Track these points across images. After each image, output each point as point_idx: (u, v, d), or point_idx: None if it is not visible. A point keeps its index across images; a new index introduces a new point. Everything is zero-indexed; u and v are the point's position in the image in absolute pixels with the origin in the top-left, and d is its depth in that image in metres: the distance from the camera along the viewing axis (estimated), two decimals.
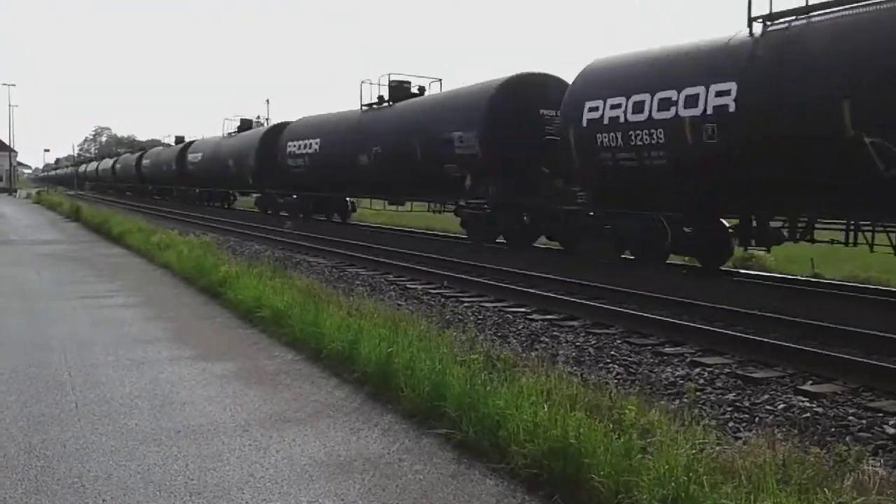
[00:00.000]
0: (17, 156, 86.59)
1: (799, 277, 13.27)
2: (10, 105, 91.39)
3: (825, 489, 3.43)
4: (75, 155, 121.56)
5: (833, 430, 5.08)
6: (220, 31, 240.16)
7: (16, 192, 75.73)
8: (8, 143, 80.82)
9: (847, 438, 4.85)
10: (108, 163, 68.94)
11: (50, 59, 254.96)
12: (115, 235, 20.62)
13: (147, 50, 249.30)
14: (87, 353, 7.14)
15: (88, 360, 6.87)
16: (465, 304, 10.17)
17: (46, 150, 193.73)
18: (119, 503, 3.84)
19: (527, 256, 15.84)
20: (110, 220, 23.55)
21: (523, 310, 9.80)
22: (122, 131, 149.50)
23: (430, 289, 11.57)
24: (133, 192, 57.22)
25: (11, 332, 8.14)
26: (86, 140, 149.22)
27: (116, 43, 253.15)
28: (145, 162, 52.83)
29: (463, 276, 12.42)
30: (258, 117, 37.09)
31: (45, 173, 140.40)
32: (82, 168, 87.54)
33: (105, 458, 4.47)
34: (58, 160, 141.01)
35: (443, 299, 10.56)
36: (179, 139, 51.06)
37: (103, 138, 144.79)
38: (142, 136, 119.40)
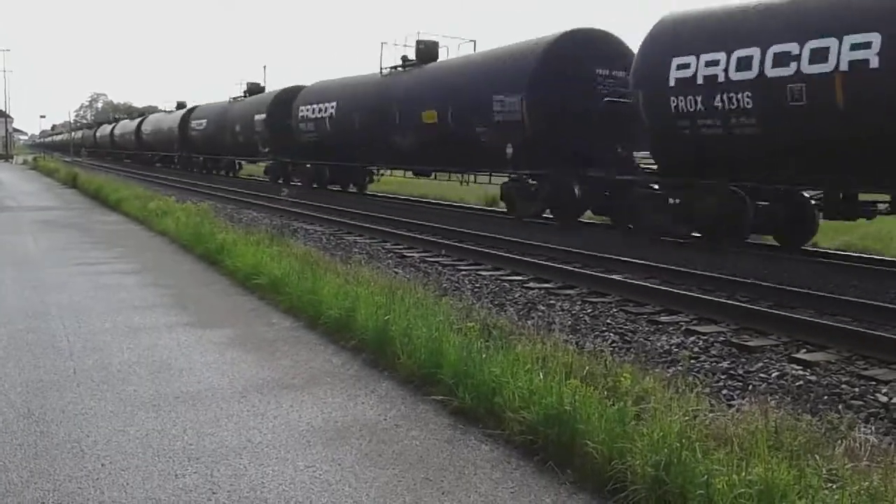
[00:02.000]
0: (13, 122, 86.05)
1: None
2: (4, 70, 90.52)
3: (817, 455, 3.48)
4: (71, 121, 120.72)
5: (826, 398, 5.12)
6: None
7: (12, 158, 75.34)
8: (3, 110, 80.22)
9: (839, 406, 4.90)
10: (106, 129, 70.57)
11: (45, 24, 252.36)
12: (112, 202, 20.57)
13: (143, 17, 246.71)
14: (86, 320, 7.16)
15: (87, 327, 6.89)
16: (463, 273, 10.20)
17: (42, 117, 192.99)
18: (118, 467, 3.88)
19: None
20: (107, 187, 23.49)
21: (520, 278, 9.84)
22: (118, 98, 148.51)
23: (428, 257, 11.59)
24: (132, 160, 59.36)
25: (8, 299, 8.16)
26: (82, 106, 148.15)
27: (112, 9, 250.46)
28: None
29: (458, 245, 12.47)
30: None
31: (42, 139, 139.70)
32: (79, 134, 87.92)
33: (104, 423, 4.51)
34: (54, 126, 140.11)
35: (440, 268, 10.58)
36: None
37: (99, 104, 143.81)
38: (138, 103, 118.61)
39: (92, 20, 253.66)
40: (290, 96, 29.97)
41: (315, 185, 28.17)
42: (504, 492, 3.71)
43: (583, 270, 10.00)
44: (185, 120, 43.74)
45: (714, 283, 9.16)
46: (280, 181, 30.68)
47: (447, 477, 3.86)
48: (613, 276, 9.57)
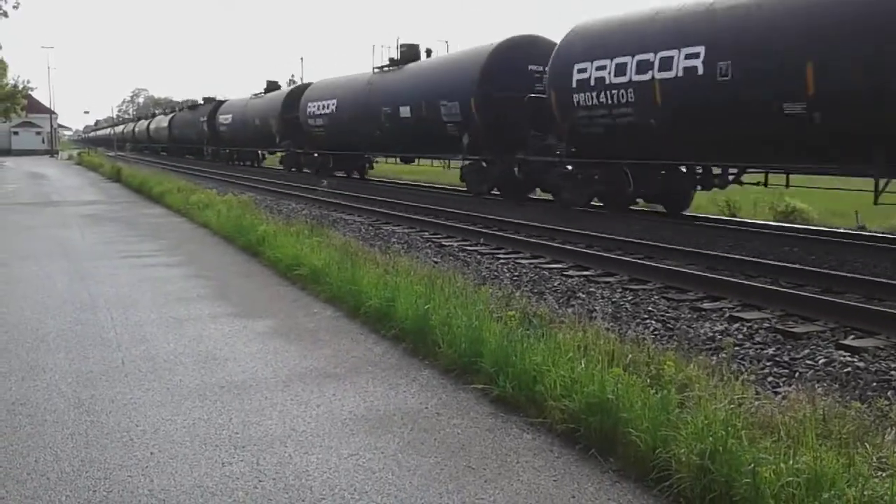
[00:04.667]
0: (57, 118, 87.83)
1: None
2: (49, 67, 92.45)
3: (866, 444, 3.41)
4: (114, 116, 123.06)
5: (874, 384, 5.02)
6: None
7: (57, 153, 76.98)
8: (48, 106, 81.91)
9: (889, 393, 4.79)
10: (143, 124, 73.41)
11: (88, 21, 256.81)
12: (155, 196, 20.91)
13: (184, 12, 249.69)
14: (132, 312, 7.30)
15: (133, 318, 7.03)
16: (501, 261, 10.18)
17: (86, 112, 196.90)
18: (166, 456, 3.96)
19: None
20: (150, 181, 23.87)
21: (559, 266, 9.79)
22: (159, 93, 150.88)
23: (466, 246, 11.59)
24: (167, 153, 61.97)
25: (58, 291, 8.35)
26: (124, 101, 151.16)
27: (154, 4, 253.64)
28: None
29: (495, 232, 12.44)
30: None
31: (86, 135, 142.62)
32: (120, 129, 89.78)
33: (152, 412, 4.60)
34: (97, 122, 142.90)
35: (479, 256, 10.57)
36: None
37: (141, 99, 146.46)
38: (178, 97, 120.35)
39: (134, 16, 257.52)
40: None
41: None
42: (547, 480, 3.71)
43: (623, 258, 9.91)
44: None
45: (757, 269, 9.01)
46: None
47: (489, 465, 3.87)
48: (654, 264, 9.48)
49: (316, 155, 32.38)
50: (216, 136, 46.62)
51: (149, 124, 69.24)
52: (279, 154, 38.91)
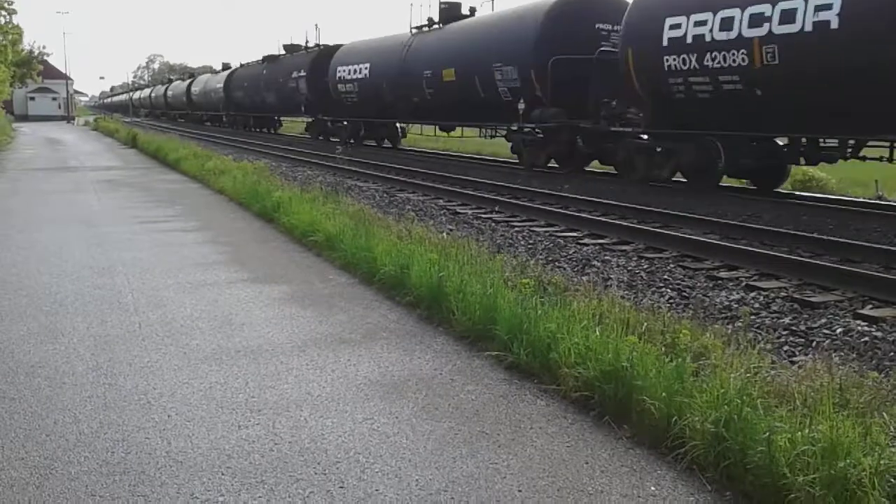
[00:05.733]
0: (73, 84, 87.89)
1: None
2: (64, 33, 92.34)
3: (883, 413, 3.39)
4: (129, 82, 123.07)
5: (892, 354, 4.98)
6: None
7: (73, 119, 77.20)
8: (64, 72, 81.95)
9: None
10: (181, 86, 61.45)
11: None
12: (171, 162, 20.95)
13: None
14: (149, 276, 7.35)
15: (150, 283, 7.08)
16: (516, 229, 10.14)
17: (101, 78, 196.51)
18: (183, 419, 4.00)
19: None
20: (166, 147, 23.91)
21: (574, 234, 9.74)
22: (174, 59, 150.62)
23: (481, 213, 11.55)
24: (212, 123, 52.61)
25: (75, 256, 8.41)
26: (139, 67, 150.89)
27: None
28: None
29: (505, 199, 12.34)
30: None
31: (102, 100, 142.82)
32: (147, 93, 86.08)
33: (169, 376, 4.64)
34: (113, 87, 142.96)
35: (493, 224, 10.54)
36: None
37: (156, 65, 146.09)
38: (194, 64, 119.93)
39: None
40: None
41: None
42: (560, 446, 3.72)
43: (638, 226, 9.85)
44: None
45: (774, 238, 8.94)
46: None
47: (503, 431, 3.88)
48: (670, 232, 9.41)
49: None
50: (326, 102, 30.31)
51: (189, 85, 56.48)
52: (458, 133, 25.14)
